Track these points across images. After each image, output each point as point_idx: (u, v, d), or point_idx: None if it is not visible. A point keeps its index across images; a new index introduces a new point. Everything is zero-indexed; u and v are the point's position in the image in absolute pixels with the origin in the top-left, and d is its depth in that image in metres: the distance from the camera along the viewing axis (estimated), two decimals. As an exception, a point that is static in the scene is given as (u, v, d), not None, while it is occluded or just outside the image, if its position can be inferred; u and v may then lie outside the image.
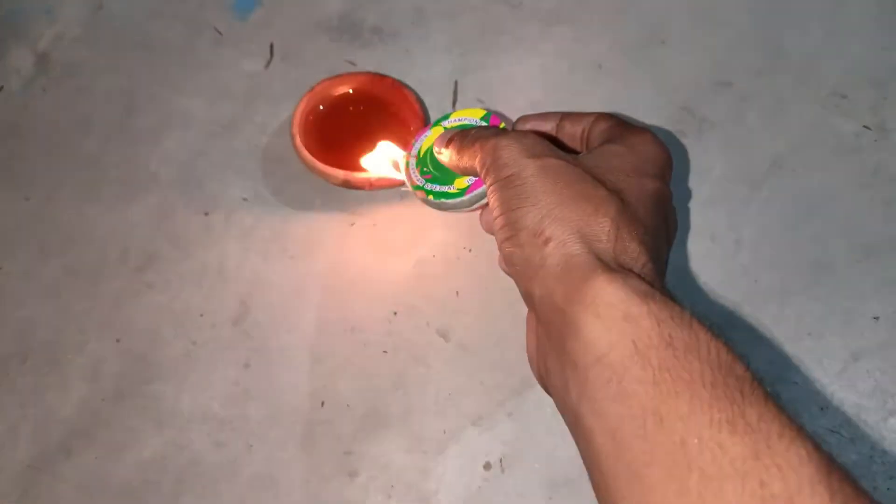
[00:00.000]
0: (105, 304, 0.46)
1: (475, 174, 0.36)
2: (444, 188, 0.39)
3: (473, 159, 0.35)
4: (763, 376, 0.24)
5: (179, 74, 0.52)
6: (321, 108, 0.47)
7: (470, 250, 0.46)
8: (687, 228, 0.46)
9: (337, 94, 0.48)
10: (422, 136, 0.42)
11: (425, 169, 0.40)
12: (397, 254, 0.46)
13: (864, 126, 0.48)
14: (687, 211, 0.46)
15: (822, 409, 0.41)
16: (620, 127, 0.36)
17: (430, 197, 0.39)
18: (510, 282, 0.31)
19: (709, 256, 0.45)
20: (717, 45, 0.51)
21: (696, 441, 0.22)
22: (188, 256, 0.47)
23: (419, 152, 0.41)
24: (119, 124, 0.51)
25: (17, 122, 0.51)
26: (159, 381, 0.44)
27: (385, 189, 0.46)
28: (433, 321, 0.44)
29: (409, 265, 0.46)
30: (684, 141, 0.48)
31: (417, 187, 0.40)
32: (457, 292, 0.45)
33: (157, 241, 0.47)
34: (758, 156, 0.47)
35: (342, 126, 0.47)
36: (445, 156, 0.38)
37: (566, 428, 0.28)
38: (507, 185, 0.32)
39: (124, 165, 0.50)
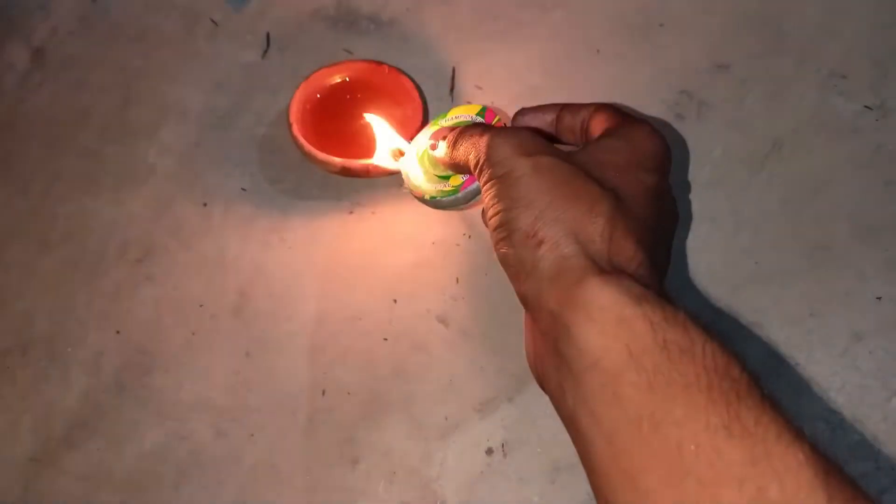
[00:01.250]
0: (104, 296, 0.46)
1: (469, 172, 0.35)
2: (439, 186, 0.39)
3: (466, 157, 0.35)
4: (758, 373, 0.24)
5: (176, 66, 0.52)
6: (318, 96, 0.47)
7: (469, 237, 0.46)
8: (687, 212, 0.45)
9: (333, 82, 0.48)
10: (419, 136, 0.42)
11: (423, 168, 0.41)
12: (396, 241, 0.46)
13: (865, 106, 0.47)
14: (687, 194, 0.46)
15: (824, 389, 0.41)
16: (618, 119, 0.35)
17: (426, 196, 0.40)
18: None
19: (709, 239, 0.45)
20: (716, 28, 0.50)
21: (692, 447, 0.22)
22: (187, 247, 0.47)
23: (416, 153, 0.42)
24: (116, 117, 0.51)
25: (13, 117, 0.51)
26: (160, 373, 0.44)
27: (383, 176, 0.46)
28: (433, 308, 0.44)
29: (408, 252, 0.46)
30: (684, 124, 0.48)
31: (414, 186, 0.41)
32: (456, 279, 0.45)
33: (155, 233, 0.47)
34: (758, 138, 0.47)
35: (339, 114, 0.47)
36: (439, 154, 0.38)
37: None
38: (500, 184, 0.31)
39: (122, 158, 0.50)
